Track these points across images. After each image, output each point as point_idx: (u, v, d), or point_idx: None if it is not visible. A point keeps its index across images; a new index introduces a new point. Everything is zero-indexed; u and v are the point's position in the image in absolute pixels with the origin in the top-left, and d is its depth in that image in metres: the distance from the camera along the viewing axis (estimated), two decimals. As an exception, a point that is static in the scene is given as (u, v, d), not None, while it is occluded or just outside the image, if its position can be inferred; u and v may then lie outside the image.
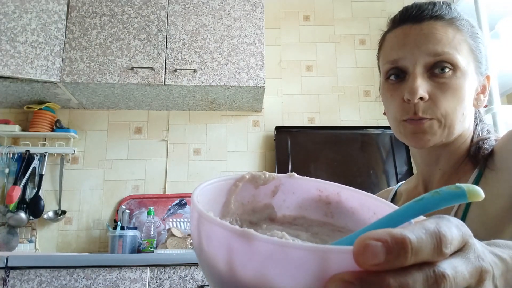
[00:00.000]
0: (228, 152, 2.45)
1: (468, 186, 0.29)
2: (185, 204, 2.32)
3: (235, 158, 2.43)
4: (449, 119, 0.66)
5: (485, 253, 0.28)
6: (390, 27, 0.74)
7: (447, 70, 0.66)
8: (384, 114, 0.77)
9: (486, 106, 1.91)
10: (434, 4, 0.70)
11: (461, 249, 0.26)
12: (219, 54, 2.19)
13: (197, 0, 2.27)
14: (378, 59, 0.79)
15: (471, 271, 0.26)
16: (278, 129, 2.42)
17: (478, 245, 0.28)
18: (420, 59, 0.67)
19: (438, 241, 0.24)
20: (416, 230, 0.23)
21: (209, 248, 0.28)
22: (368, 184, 2.31)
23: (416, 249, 0.23)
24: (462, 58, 0.67)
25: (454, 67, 0.66)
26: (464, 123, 0.69)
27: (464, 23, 0.69)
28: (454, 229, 0.25)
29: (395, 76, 0.70)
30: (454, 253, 0.26)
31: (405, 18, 0.71)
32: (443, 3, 0.70)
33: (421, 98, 0.66)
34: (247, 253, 0.25)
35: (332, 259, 0.24)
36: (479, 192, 0.29)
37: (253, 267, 0.25)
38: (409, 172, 2.34)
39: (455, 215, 0.65)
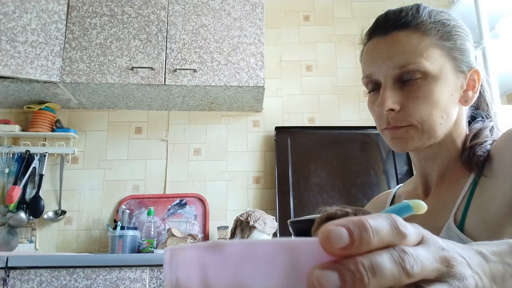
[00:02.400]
0: (228, 152, 2.45)
1: (413, 201, 0.34)
2: (185, 204, 2.32)
3: (235, 158, 2.44)
4: (427, 124, 0.67)
5: (449, 245, 0.29)
6: (365, 40, 0.75)
7: (415, 78, 0.67)
8: None
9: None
10: (401, 11, 0.70)
11: (421, 242, 0.28)
12: (219, 54, 2.19)
13: (197, 0, 2.27)
14: None
15: (435, 256, 0.27)
16: (278, 129, 2.42)
17: (439, 240, 0.29)
18: (388, 73, 0.68)
19: (394, 222, 0.25)
20: (371, 216, 0.25)
21: (182, 277, 0.28)
22: (368, 184, 2.31)
23: (375, 228, 0.24)
24: (431, 63, 0.66)
25: (423, 74, 0.66)
26: (447, 124, 0.69)
27: (433, 26, 0.68)
28: (407, 223, 0.27)
29: (373, 89, 0.73)
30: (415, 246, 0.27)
31: (374, 31, 0.72)
32: (410, 8, 0.70)
33: (393, 110, 0.67)
34: (220, 261, 0.26)
35: (301, 250, 0.25)
36: (422, 205, 0.34)
37: (228, 276, 0.25)
38: (409, 172, 2.34)
39: (454, 218, 0.65)
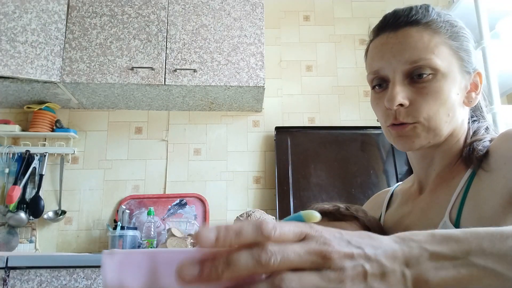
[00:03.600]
0: (228, 152, 2.44)
1: (305, 212, 0.40)
2: (185, 204, 2.32)
3: (235, 158, 2.43)
4: (433, 122, 0.67)
5: (355, 239, 0.34)
6: (372, 37, 0.75)
7: (425, 75, 0.67)
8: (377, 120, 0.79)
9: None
10: (411, 9, 0.71)
11: (302, 239, 0.33)
12: (219, 54, 2.19)
13: (197, 0, 2.27)
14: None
15: (310, 250, 0.32)
16: (278, 129, 2.42)
17: (328, 234, 0.34)
18: (398, 68, 0.68)
19: (259, 225, 0.32)
20: (239, 223, 0.32)
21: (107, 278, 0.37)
22: (368, 184, 2.31)
23: (238, 231, 0.31)
24: (441, 61, 0.67)
25: (433, 70, 0.67)
26: (452, 123, 0.69)
27: (442, 25, 0.69)
28: (287, 224, 0.33)
29: (379, 85, 0.72)
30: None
31: (383, 27, 0.72)
32: (420, 7, 0.71)
33: (402, 105, 0.67)
34: (112, 265, 0.34)
35: (160, 257, 0.34)
36: (313, 215, 0.39)
37: (114, 276, 0.34)
38: (409, 172, 2.33)
39: (450, 215, 0.65)
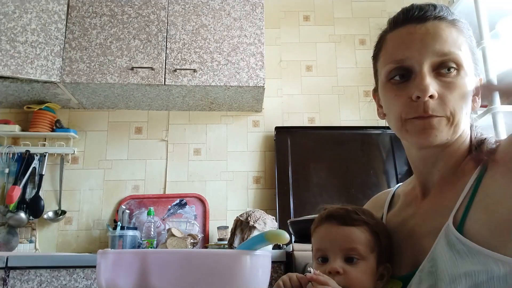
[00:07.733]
0: (228, 152, 2.44)
1: (270, 232, 0.41)
2: (185, 204, 2.32)
3: (235, 158, 2.43)
4: (457, 118, 0.67)
5: None
6: (391, 27, 0.74)
7: (452, 69, 0.67)
8: (381, 117, 0.78)
9: (486, 106, 1.88)
10: (435, 6, 0.71)
11: None
12: (219, 54, 2.19)
13: (197, 0, 2.27)
14: (376, 60, 0.79)
15: None
16: (278, 129, 2.42)
17: None
18: (427, 59, 0.67)
19: None
20: None
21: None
22: (368, 184, 2.31)
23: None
24: (465, 59, 0.68)
25: (459, 66, 0.67)
26: (466, 122, 0.70)
27: (464, 25, 0.71)
28: None
29: (400, 76, 0.70)
30: None
31: (408, 19, 0.71)
32: (442, 6, 0.71)
33: (431, 96, 0.66)
34: (105, 264, 0.37)
35: (151, 257, 0.35)
36: (281, 236, 0.39)
37: (108, 274, 0.37)
38: (409, 172, 2.33)
39: (454, 217, 0.64)
